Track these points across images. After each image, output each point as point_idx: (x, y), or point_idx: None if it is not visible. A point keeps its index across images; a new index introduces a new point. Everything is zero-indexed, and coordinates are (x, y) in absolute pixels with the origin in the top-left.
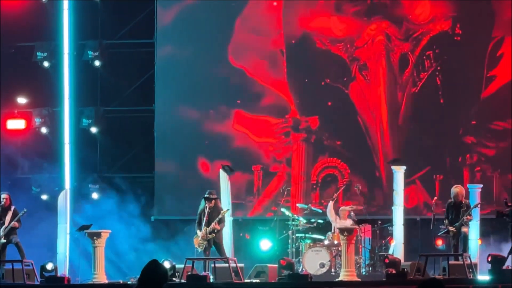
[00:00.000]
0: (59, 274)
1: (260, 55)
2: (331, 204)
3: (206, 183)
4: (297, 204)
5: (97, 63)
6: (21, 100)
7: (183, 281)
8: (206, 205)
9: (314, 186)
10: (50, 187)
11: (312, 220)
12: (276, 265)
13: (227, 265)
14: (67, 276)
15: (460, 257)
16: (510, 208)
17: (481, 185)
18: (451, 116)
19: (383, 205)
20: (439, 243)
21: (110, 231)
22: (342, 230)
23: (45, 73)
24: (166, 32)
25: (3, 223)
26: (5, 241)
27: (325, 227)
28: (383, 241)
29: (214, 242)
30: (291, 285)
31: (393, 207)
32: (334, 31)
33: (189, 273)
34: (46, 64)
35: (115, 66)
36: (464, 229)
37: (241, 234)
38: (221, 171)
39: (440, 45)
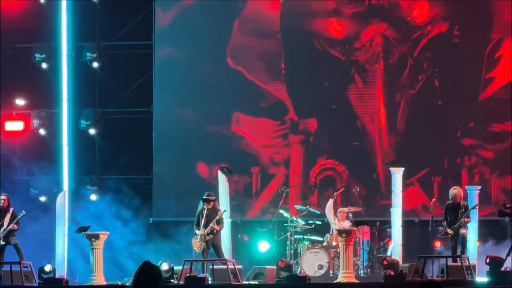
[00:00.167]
0: (57, 276)
1: (259, 57)
2: (330, 202)
3: (204, 185)
4: (295, 206)
5: (95, 64)
6: (20, 101)
7: (181, 282)
8: (205, 206)
9: (312, 188)
10: (48, 189)
11: (310, 222)
12: (275, 267)
13: (225, 266)
14: (65, 277)
15: (458, 259)
16: (510, 208)
17: (479, 187)
18: (449, 118)
19: (381, 206)
20: (438, 244)
21: (108, 232)
22: (340, 232)
23: (43, 74)
24: (165, 34)
25: (2, 225)
26: (3, 243)
27: (323, 229)
28: (382, 243)
29: (213, 243)
30: (289, 287)
31: (391, 209)
32: (333, 33)
33: (188, 274)
34: (44, 65)
35: (114, 67)
36: (462, 231)
37: (239, 236)
38: (219, 172)
39: (438, 47)
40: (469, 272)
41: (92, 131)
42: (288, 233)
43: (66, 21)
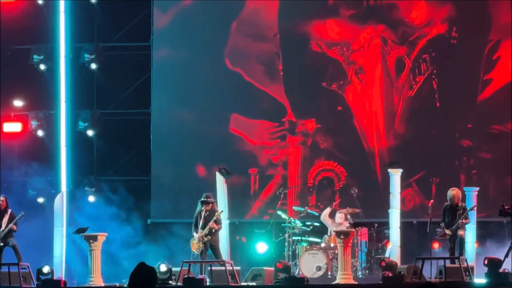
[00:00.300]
0: (55, 277)
1: (257, 58)
2: (327, 211)
3: (202, 186)
4: (294, 207)
5: (93, 65)
6: (18, 103)
7: (179, 284)
8: (203, 208)
9: (311, 189)
10: (46, 190)
11: (309, 223)
12: (273, 268)
13: (223, 268)
14: (63, 279)
15: (456, 260)
16: (510, 209)
17: (478, 188)
18: (447, 120)
19: (379, 208)
20: (436, 246)
21: (107, 234)
22: (338, 233)
23: (41, 76)
24: (163, 35)
25: (0, 226)
26: (2, 244)
27: (321, 230)
28: (380, 244)
29: (211, 245)
30: None
31: (389, 210)
32: (330, 35)
33: (186, 276)
34: (42, 67)
35: (112, 68)
36: (460, 232)
37: (237, 237)
38: (217, 174)
39: (436, 49)
40: (467, 273)
41: (90, 133)
42: (286, 235)
43: (64, 22)
